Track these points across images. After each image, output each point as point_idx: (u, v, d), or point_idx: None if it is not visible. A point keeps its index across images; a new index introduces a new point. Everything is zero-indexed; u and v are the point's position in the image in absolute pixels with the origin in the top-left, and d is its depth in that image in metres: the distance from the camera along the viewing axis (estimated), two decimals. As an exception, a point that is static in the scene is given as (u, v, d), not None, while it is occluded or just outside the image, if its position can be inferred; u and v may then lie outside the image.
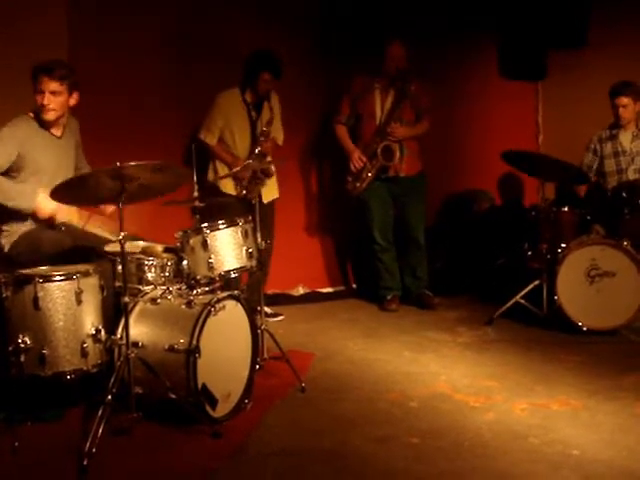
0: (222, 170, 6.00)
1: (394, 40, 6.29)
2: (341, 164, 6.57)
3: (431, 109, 6.53)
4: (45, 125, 4.46)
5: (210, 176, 6.02)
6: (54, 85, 4.33)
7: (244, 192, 5.81)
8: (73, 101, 4.49)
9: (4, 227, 4.43)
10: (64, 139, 4.60)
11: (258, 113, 6.03)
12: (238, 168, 5.52)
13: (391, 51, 6.28)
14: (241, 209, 5.60)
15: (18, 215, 4.37)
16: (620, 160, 6.22)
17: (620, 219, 5.75)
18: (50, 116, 4.41)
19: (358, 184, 6.41)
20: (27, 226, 4.40)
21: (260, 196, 5.80)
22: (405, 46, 6.29)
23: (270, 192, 6.09)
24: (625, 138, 6.24)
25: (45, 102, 4.34)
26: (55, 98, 4.36)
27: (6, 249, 4.41)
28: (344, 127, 6.55)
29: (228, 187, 5.94)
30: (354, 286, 7.39)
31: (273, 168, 5.87)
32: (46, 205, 4.31)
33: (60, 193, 3.82)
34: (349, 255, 7.45)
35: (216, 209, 5.04)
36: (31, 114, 4.45)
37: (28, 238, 4.36)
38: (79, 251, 4.24)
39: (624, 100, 6.11)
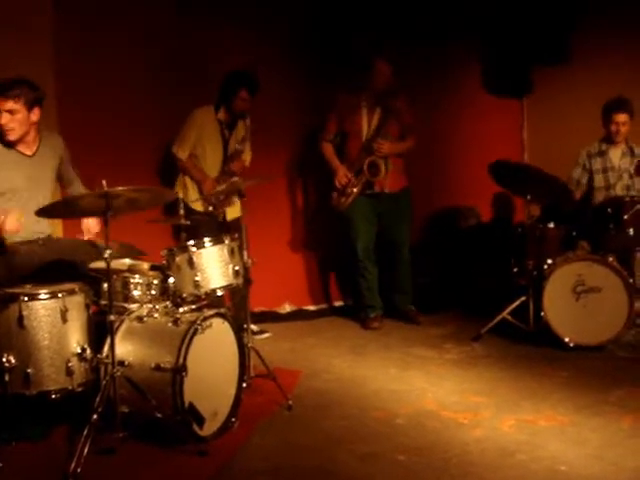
0: (191, 187, 6.00)
1: (381, 57, 6.32)
2: (325, 181, 6.58)
3: (415, 127, 6.56)
4: (10, 144, 4.38)
5: (179, 192, 5.96)
6: (9, 104, 4.26)
7: (211, 208, 5.84)
8: (34, 117, 4.38)
9: None
10: (37, 157, 4.49)
11: (230, 132, 6.06)
12: (218, 189, 5.51)
13: (379, 68, 6.31)
14: (210, 227, 5.66)
15: None
16: (609, 176, 6.24)
17: (605, 235, 5.77)
18: (11, 136, 4.33)
19: (343, 199, 6.42)
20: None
21: (224, 214, 5.96)
22: (391, 63, 6.32)
23: (235, 211, 5.97)
24: (615, 155, 6.26)
25: (2, 122, 4.28)
26: (13, 117, 4.29)
27: None
28: (330, 145, 6.57)
29: (196, 204, 5.94)
30: (340, 303, 7.38)
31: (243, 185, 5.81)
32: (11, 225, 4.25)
33: (46, 211, 3.86)
34: (336, 272, 7.44)
35: (189, 227, 5.02)
36: None
37: (5, 256, 4.30)
38: (62, 268, 4.21)
39: (623, 117, 6.11)
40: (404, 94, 6.41)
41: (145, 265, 4.35)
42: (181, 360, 3.71)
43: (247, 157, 6.22)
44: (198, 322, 3.84)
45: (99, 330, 3.90)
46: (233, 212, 5.99)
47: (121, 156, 5.96)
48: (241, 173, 6.01)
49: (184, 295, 4.31)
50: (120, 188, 3.63)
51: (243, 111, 5.95)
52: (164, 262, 4.35)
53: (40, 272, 4.13)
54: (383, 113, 6.38)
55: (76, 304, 3.76)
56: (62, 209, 4.02)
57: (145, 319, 3.98)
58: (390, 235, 6.64)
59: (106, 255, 3.72)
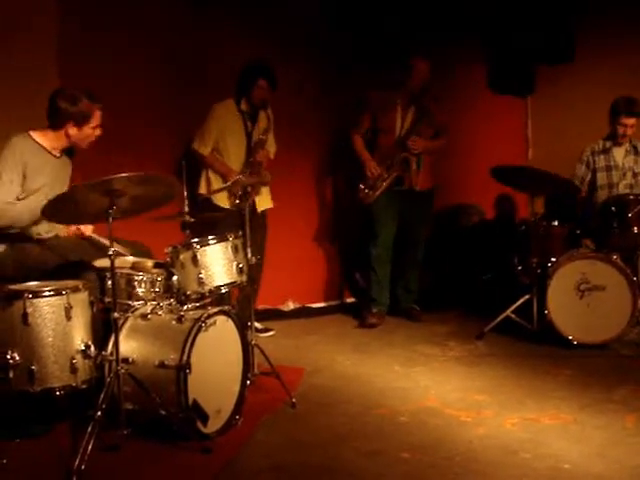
0: (215, 181, 5.96)
1: (421, 56, 6.38)
2: (336, 179, 6.58)
3: (447, 127, 6.62)
4: (47, 147, 4.34)
5: (202, 188, 5.97)
6: (100, 117, 4.32)
7: (237, 202, 5.79)
8: None
9: None
10: (62, 158, 4.49)
11: (253, 123, 6.04)
12: (230, 182, 5.49)
13: (418, 67, 6.35)
14: (233, 223, 5.60)
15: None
16: (612, 174, 6.23)
17: (609, 233, 5.77)
18: (87, 146, 4.40)
19: (371, 192, 6.42)
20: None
21: (254, 204, 5.87)
22: (428, 58, 6.38)
23: (264, 201, 6.08)
24: (618, 153, 6.24)
25: (98, 134, 4.34)
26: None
27: None
28: (361, 138, 6.59)
29: (221, 200, 5.89)
30: (344, 301, 7.39)
31: (269, 175, 5.90)
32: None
33: (51, 212, 3.78)
34: (340, 270, 7.45)
35: (207, 224, 5.02)
36: (32, 134, 4.32)
37: (14, 253, 4.31)
38: (66, 266, 4.22)
39: (632, 121, 6.08)
40: (438, 96, 6.49)
41: (149, 262, 4.34)
42: (185, 357, 3.72)
43: (272, 149, 6.21)
44: (202, 320, 3.85)
45: (103, 327, 3.92)
46: (263, 203, 6.02)
47: (126, 155, 5.93)
48: (266, 165, 6.05)
49: (188, 292, 4.32)
50: (120, 175, 3.56)
51: (263, 101, 5.92)
52: (168, 259, 4.36)
53: (50, 271, 4.14)
54: (417, 113, 6.42)
55: (80, 301, 3.76)
56: (65, 209, 3.85)
57: (149, 316, 3.99)
58: (408, 233, 6.65)
59: (110, 252, 3.72)
